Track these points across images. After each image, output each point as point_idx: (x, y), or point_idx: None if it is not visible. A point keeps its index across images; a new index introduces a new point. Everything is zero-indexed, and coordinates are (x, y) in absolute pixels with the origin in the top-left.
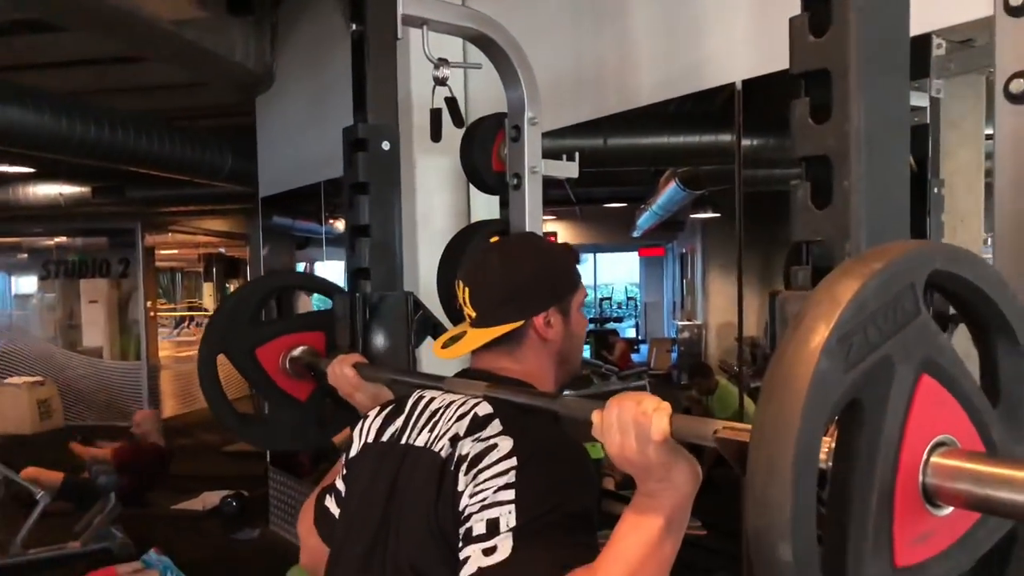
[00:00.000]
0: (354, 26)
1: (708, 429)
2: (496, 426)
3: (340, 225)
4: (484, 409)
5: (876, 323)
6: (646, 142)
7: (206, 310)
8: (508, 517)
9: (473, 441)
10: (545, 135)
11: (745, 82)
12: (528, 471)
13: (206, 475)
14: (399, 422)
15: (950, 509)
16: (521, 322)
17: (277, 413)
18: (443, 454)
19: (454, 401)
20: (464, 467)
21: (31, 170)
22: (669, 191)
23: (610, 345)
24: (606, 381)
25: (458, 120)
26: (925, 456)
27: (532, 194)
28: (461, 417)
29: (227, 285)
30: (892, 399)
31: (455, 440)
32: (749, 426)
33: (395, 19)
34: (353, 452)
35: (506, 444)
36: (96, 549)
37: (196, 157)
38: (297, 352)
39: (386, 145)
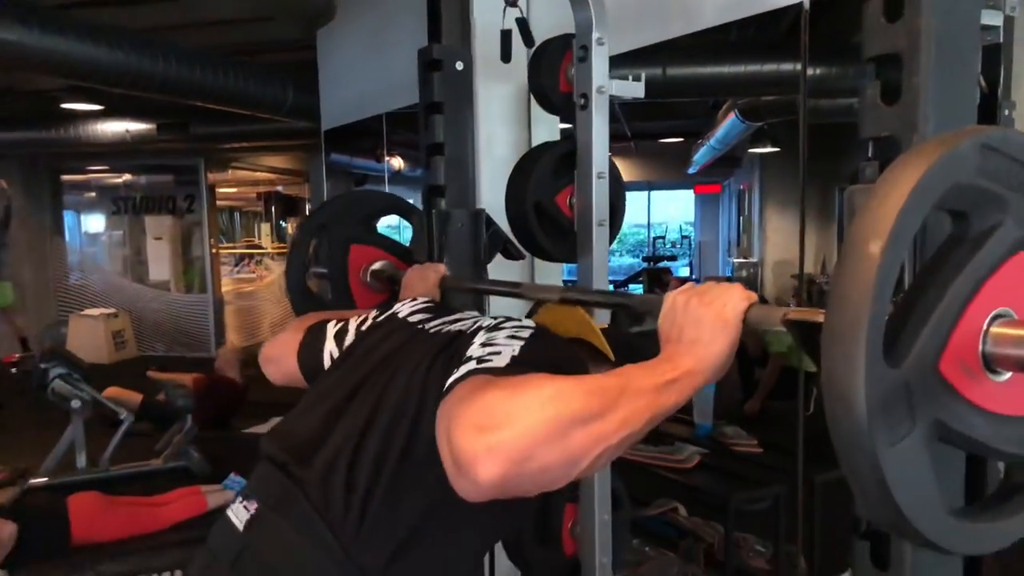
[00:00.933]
0: None
1: (777, 315)
2: (524, 322)
3: (396, 162)
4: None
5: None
6: (706, 71)
7: (264, 248)
8: (509, 352)
9: (495, 320)
10: None
11: (813, 2)
12: (539, 339)
13: (272, 402)
14: (427, 316)
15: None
16: None
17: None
18: (454, 329)
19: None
20: (483, 331)
21: (100, 107)
22: (728, 124)
23: (664, 284)
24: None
25: (529, 40)
26: (987, 322)
27: (599, 114)
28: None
29: (284, 224)
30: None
31: (476, 321)
32: (817, 311)
33: None
34: (371, 321)
35: (529, 322)
36: (176, 467)
37: (258, 91)
38: (379, 265)
39: (459, 65)
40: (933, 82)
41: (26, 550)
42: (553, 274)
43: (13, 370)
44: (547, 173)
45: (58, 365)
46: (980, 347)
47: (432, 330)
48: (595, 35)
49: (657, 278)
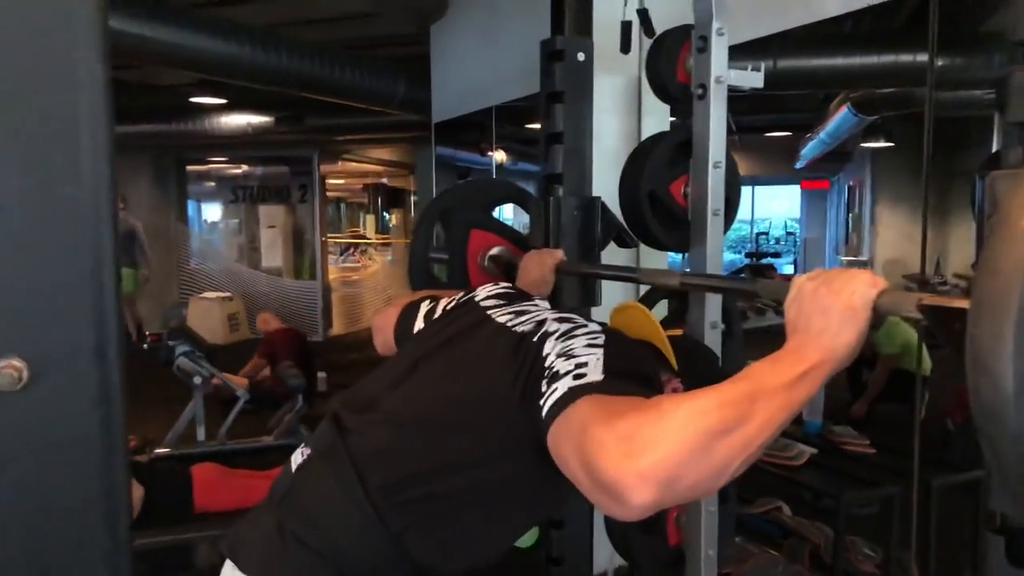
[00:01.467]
0: None
1: (910, 301)
2: (584, 321)
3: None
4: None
5: None
6: (818, 63)
7: (368, 239)
8: (596, 363)
9: (559, 322)
10: None
11: None
12: (614, 344)
13: None
14: (500, 302)
15: None
16: None
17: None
18: (519, 331)
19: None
20: (552, 338)
21: (224, 101)
22: (839, 117)
23: None
24: (762, 316)
25: (650, 30)
26: None
27: (717, 104)
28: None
29: (387, 215)
30: None
31: (541, 323)
32: (955, 298)
33: None
34: (455, 302)
35: (595, 326)
36: (285, 444)
37: (371, 85)
38: (496, 250)
39: (581, 56)
40: None
41: (153, 514)
42: (657, 263)
43: (145, 346)
44: (662, 162)
45: (183, 343)
46: None
47: (499, 319)
48: (715, 25)
49: (760, 275)
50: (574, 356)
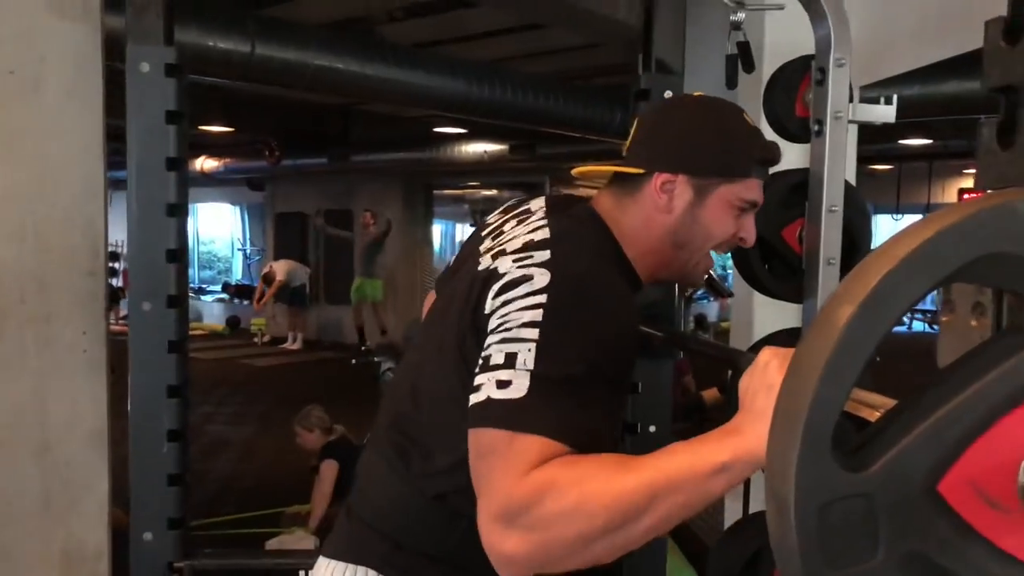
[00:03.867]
0: None
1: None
2: (542, 256)
3: None
4: (543, 234)
5: None
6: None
7: None
8: (527, 355)
9: (513, 262)
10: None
11: None
12: (557, 315)
13: None
14: (495, 221)
15: None
16: (642, 171)
17: None
18: (480, 268)
19: (535, 217)
20: (496, 287)
21: (464, 131)
22: None
23: None
24: None
25: (749, 65)
26: None
27: (834, 141)
28: (522, 235)
29: None
30: None
31: (498, 255)
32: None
33: None
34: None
35: (542, 279)
36: None
37: (588, 114)
38: None
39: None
40: None
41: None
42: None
43: (353, 361)
44: (773, 205)
45: (389, 359)
46: (1021, 478)
47: (482, 247)
48: (834, 55)
49: None
50: (508, 340)
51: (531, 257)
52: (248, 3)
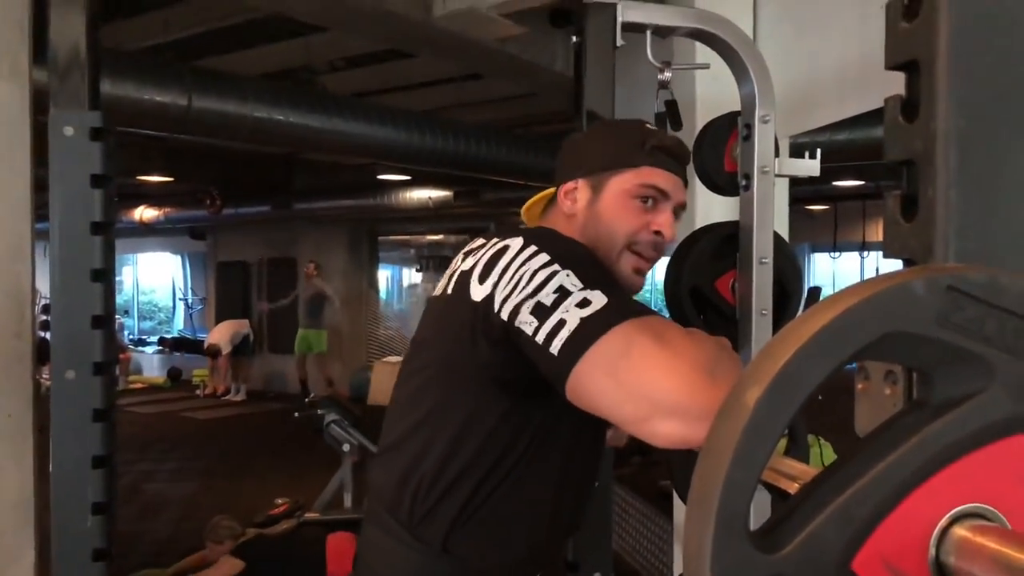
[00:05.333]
0: (574, 37)
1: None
2: (503, 239)
3: None
4: (497, 240)
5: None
6: None
7: None
8: (569, 279)
9: (469, 257)
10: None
11: None
12: (552, 247)
13: None
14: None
15: None
16: (552, 190)
17: None
18: (443, 292)
19: (484, 243)
20: (475, 277)
21: (408, 177)
22: None
23: None
24: None
25: (676, 124)
26: (946, 520)
27: (761, 194)
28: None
29: None
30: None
31: (451, 274)
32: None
33: (614, 28)
34: None
35: (515, 242)
36: None
37: (528, 161)
38: None
39: None
40: (956, 197)
41: None
42: None
43: (296, 415)
44: (706, 256)
45: (333, 412)
46: (932, 553)
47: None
48: (759, 112)
49: None
50: (541, 287)
51: (490, 249)
52: (186, 55)
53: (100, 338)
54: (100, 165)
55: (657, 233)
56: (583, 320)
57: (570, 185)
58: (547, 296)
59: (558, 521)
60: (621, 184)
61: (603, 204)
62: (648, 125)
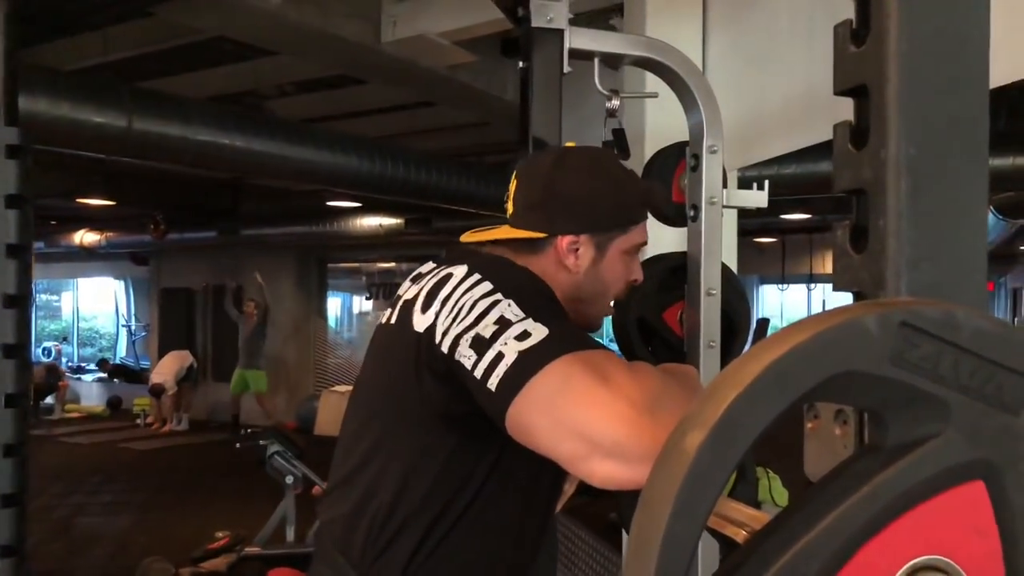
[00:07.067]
0: (520, 63)
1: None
2: (448, 269)
3: None
4: (445, 271)
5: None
6: None
7: None
8: (511, 308)
9: (412, 284)
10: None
11: None
12: (496, 276)
13: None
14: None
15: None
16: (545, 235)
17: None
18: (387, 321)
19: (431, 271)
20: (417, 307)
21: (358, 204)
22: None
23: None
24: None
25: (624, 152)
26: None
27: (709, 225)
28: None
29: None
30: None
31: (396, 302)
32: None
33: (562, 54)
34: None
35: (459, 270)
36: None
37: (481, 191)
38: None
39: None
40: (908, 227)
41: None
42: None
43: (238, 445)
44: (652, 288)
45: (276, 443)
46: None
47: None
48: (707, 142)
49: None
50: (480, 318)
51: (434, 276)
52: (129, 76)
53: (13, 368)
54: (16, 185)
55: (633, 281)
56: (520, 354)
57: (571, 240)
58: (486, 328)
59: (519, 559)
60: (623, 245)
61: (606, 265)
62: (623, 164)
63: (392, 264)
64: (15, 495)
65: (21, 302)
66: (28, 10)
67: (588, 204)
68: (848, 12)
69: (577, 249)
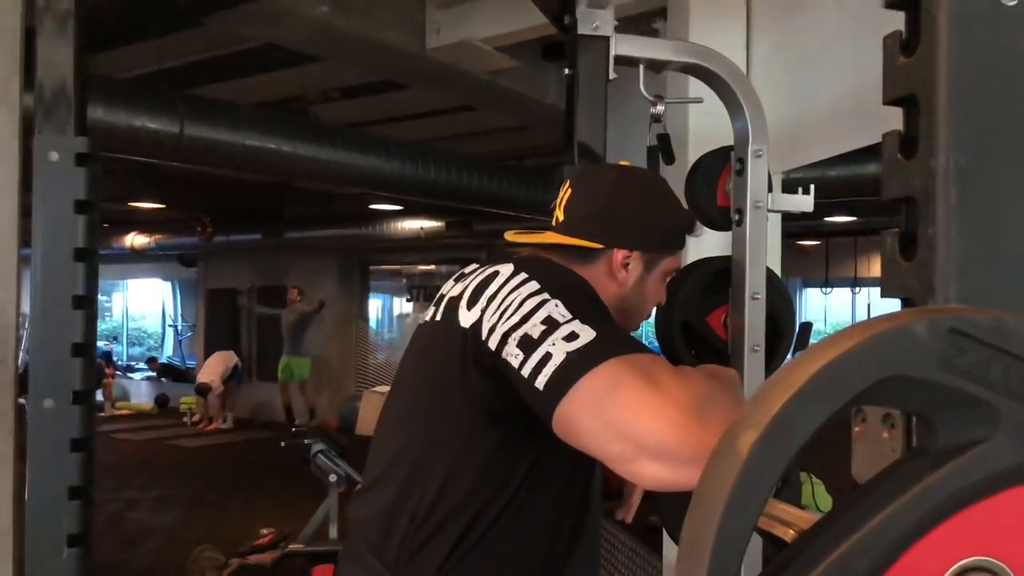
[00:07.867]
0: (567, 70)
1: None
2: (494, 267)
3: None
4: (491, 268)
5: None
6: None
7: None
8: (558, 309)
9: (457, 282)
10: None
11: None
12: (542, 276)
13: None
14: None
15: None
16: (601, 246)
17: None
18: (431, 319)
19: (476, 270)
20: (463, 303)
21: (400, 208)
22: None
23: None
24: None
25: (668, 157)
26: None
27: (754, 229)
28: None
29: None
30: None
31: (440, 300)
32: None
33: (607, 61)
34: None
35: (505, 268)
36: None
37: (521, 194)
38: None
39: None
40: (958, 235)
41: None
42: None
43: (283, 444)
44: (696, 292)
45: (320, 442)
46: None
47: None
48: (752, 147)
49: None
50: (527, 317)
51: (480, 274)
52: (180, 83)
53: (80, 366)
54: (85, 191)
55: (658, 303)
56: (568, 355)
57: (625, 254)
58: (534, 327)
59: (552, 559)
60: (668, 266)
61: (649, 282)
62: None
63: (432, 266)
64: (83, 487)
65: (88, 303)
66: (92, 22)
67: (646, 223)
68: (891, 15)
69: (628, 264)
